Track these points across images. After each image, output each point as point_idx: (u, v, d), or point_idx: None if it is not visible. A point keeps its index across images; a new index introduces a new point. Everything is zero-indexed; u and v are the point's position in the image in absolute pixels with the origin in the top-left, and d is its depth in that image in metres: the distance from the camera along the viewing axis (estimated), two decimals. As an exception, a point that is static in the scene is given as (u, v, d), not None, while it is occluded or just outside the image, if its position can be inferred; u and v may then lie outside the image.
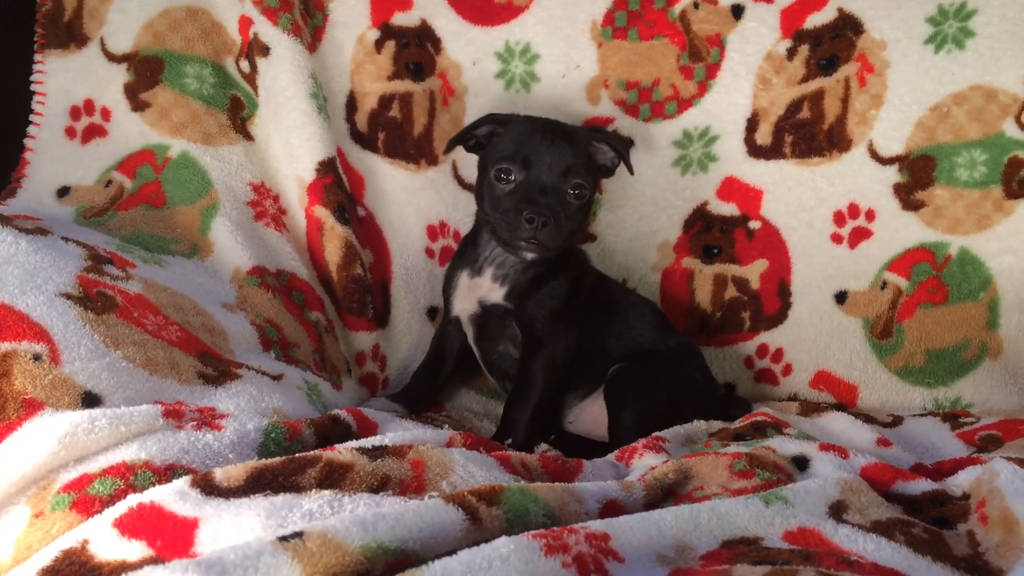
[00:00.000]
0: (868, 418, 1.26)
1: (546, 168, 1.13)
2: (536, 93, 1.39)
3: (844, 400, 1.34)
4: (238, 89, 1.34)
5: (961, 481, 0.88)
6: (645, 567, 0.61)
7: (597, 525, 0.63)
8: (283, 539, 0.56)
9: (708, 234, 1.40)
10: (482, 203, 1.18)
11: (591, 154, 1.19)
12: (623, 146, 1.22)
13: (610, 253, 1.42)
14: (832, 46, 1.32)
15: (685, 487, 0.86)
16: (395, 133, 1.40)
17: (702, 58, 1.35)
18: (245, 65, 1.33)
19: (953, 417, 1.23)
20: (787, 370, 1.37)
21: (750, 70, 1.35)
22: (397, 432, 0.93)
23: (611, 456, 1.04)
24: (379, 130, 1.40)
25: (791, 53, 1.33)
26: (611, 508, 0.77)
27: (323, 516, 0.67)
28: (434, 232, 1.42)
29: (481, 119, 1.19)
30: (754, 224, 1.38)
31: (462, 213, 1.40)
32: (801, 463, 0.94)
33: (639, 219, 1.41)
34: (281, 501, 0.69)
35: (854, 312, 1.36)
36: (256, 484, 0.73)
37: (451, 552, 0.58)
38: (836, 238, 1.37)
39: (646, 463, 0.99)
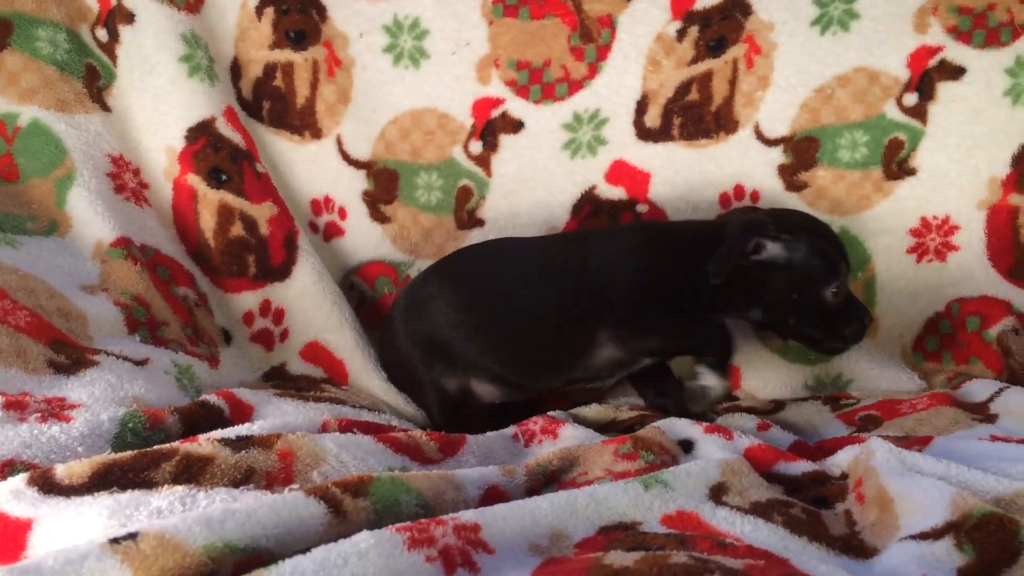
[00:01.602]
0: (749, 408, 1.28)
1: None
2: (425, 70, 1.34)
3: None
4: (93, 58, 1.25)
5: (840, 461, 0.89)
6: (516, 557, 0.58)
7: (468, 515, 0.59)
8: (114, 541, 0.51)
9: (596, 219, 1.38)
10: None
11: None
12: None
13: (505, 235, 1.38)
14: (721, 27, 1.32)
15: (570, 473, 0.84)
16: (279, 103, 1.34)
17: (593, 39, 1.33)
18: (103, 34, 1.24)
19: (834, 400, 1.26)
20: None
21: (640, 52, 1.33)
22: (269, 418, 0.88)
23: (508, 431, 1.01)
24: (264, 99, 1.34)
25: (681, 35, 1.33)
26: (492, 495, 0.74)
27: (173, 514, 0.61)
28: (318, 207, 1.36)
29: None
30: (641, 208, 1.37)
31: (346, 188, 1.35)
32: (687, 445, 0.93)
33: (532, 205, 1.38)
34: (127, 499, 0.64)
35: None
36: (103, 481, 0.67)
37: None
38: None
39: (545, 449, 0.97)
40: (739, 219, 1.15)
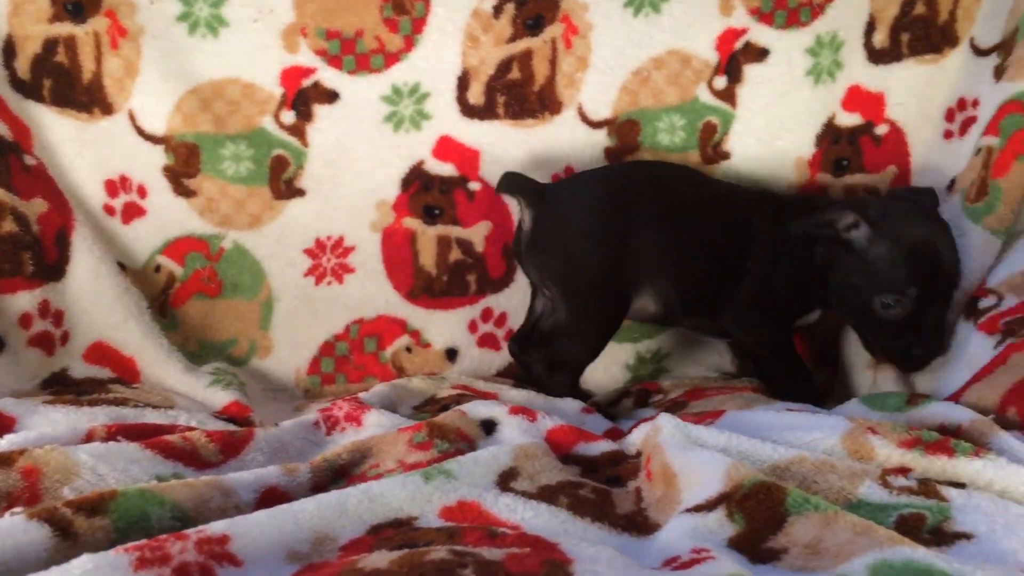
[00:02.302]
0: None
1: None
2: (225, 38, 1.26)
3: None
4: None
5: (635, 439, 0.91)
6: (268, 568, 0.55)
7: (217, 527, 0.56)
8: None
9: (427, 194, 1.35)
10: None
11: None
12: None
13: (327, 211, 1.34)
14: (537, 6, 1.31)
15: (361, 466, 0.81)
16: (63, 80, 1.22)
17: (407, 11, 1.29)
18: None
19: (645, 394, 1.29)
20: (510, 334, 1.36)
21: (457, 27, 1.31)
22: (34, 430, 0.80)
23: (310, 417, 0.97)
24: (44, 77, 1.22)
25: (497, 11, 1.31)
26: (270, 497, 0.71)
27: None
28: (114, 188, 1.27)
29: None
30: (474, 185, 1.36)
31: (144, 165, 1.27)
32: (489, 426, 0.92)
33: (355, 175, 1.34)
34: None
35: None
36: None
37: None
38: (553, 202, 1.37)
39: (348, 437, 0.94)
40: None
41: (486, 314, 1.37)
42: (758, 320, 1.21)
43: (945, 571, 0.55)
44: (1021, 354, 0.96)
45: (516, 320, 1.36)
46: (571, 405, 1.11)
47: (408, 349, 1.36)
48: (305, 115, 1.31)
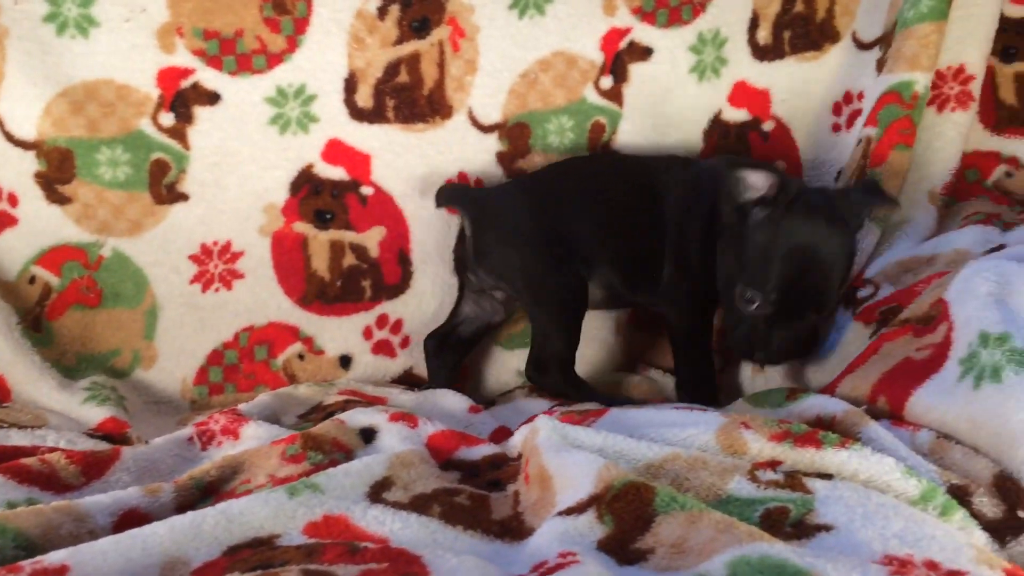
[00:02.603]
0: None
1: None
2: (96, 39, 1.21)
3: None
4: None
5: (516, 441, 0.90)
6: (109, 597, 0.53)
7: (56, 556, 0.53)
8: None
9: (318, 198, 1.33)
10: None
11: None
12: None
13: (212, 215, 1.30)
14: (422, 7, 1.30)
15: (231, 482, 0.79)
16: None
17: (288, 11, 1.27)
18: None
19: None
20: (405, 342, 1.35)
21: (342, 27, 1.28)
22: None
23: (184, 432, 0.94)
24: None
25: (382, 12, 1.29)
26: (130, 520, 0.68)
27: None
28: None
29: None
30: (366, 190, 1.34)
31: (14, 172, 1.22)
32: (369, 435, 0.91)
33: (241, 179, 1.30)
34: None
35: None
36: None
37: None
38: (451, 208, 1.35)
39: (224, 451, 0.91)
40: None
41: (381, 320, 1.35)
42: (682, 296, 1.20)
43: (798, 565, 0.57)
44: (893, 343, 0.99)
45: (412, 327, 1.35)
46: (459, 406, 1.10)
47: (300, 356, 1.33)
48: (185, 117, 1.27)
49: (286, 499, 0.67)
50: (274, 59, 1.28)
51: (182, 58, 1.25)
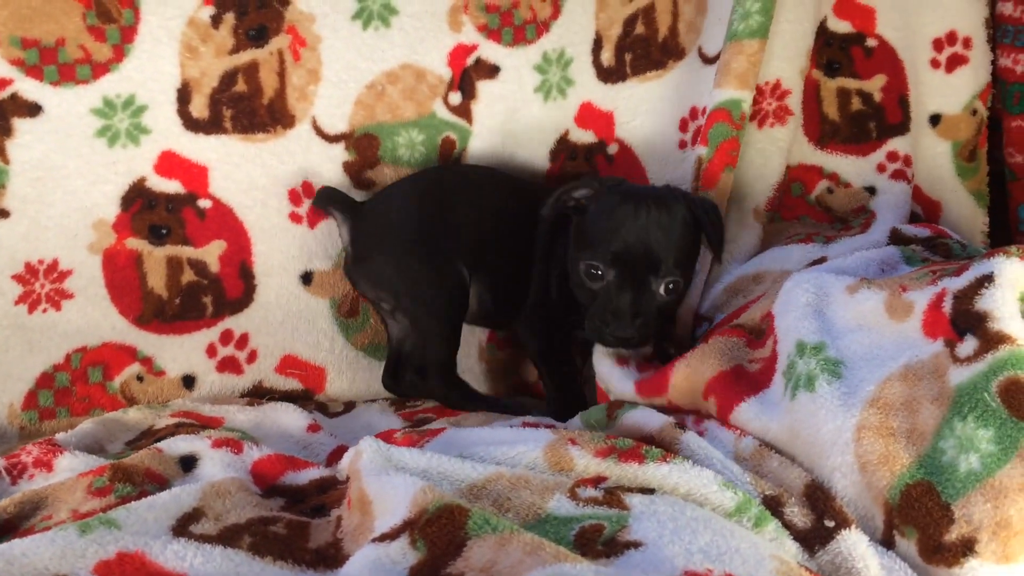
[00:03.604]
0: (320, 405, 1.27)
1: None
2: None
3: (311, 385, 1.32)
4: None
5: (344, 465, 0.89)
6: None
7: None
8: None
9: (153, 212, 1.27)
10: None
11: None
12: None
13: (36, 232, 1.23)
14: (259, 16, 1.26)
15: (32, 519, 0.74)
16: None
17: (114, 19, 1.21)
18: None
19: (401, 402, 1.28)
20: (252, 357, 1.31)
21: (173, 36, 1.24)
22: None
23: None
24: None
25: (216, 21, 1.25)
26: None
27: None
28: None
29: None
30: (204, 203, 1.29)
31: None
32: (189, 463, 0.87)
33: (67, 194, 1.24)
34: None
35: (320, 292, 1.33)
36: None
37: None
38: (295, 217, 1.33)
39: (37, 484, 0.86)
40: None
41: (225, 337, 1.30)
42: (536, 320, 1.22)
43: (594, 587, 0.57)
44: (725, 339, 1.02)
45: (258, 341, 1.30)
46: (297, 424, 1.08)
47: (139, 378, 1.27)
48: (3, 130, 1.20)
49: (76, 537, 0.64)
50: (100, 69, 1.22)
51: (-2, 68, 1.19)
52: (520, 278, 1.24)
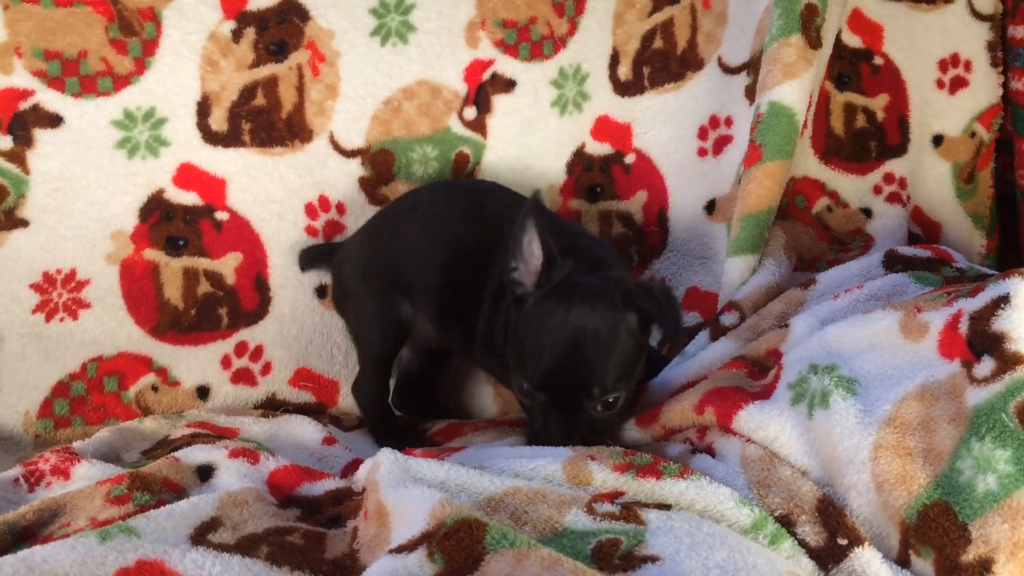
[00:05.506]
0: (334, 419, 1.27)
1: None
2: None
3: (324, 399, 1.32)
4: None
5: (360, 476, 0.89)
6: None
7: None
8: None
9: (170, 224, 1.29)
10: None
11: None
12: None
13: (55, 242, 1.24)
14: (279, 31, 1.28)
15: (50, 526, 0.75)
16: None
17: (135, 32, 1.23)
18: None
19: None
20: (266, 368, 1.31)
21: (194, 50, 1.26)
22: None
23: (10, 474, 0.89)
24: None
25: (237, 35, 1.27)
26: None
27: None
28: None
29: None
30: (221, 215, 1.30)
31: None
32: (206, 473, 0.88)
33: (86, 205, 1.25)
34: None
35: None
36: None
37: None
38: (311, 231, 1.34)
39: (54, 492, 0.86)
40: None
41: (240, 348, 1.31)
42: (491, 354, 1.13)
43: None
44: (725, 371, 1.02)
45: (273, 353, 1.31)
46: (312, 436, 1.08)
47: (154, 388, 1.27)
48: (24, 140, 1.22)
49: (96, 544, 0.64)
50: (121, 81, 1.24)
51: (20, 79, 1.21)
52: (469, 311, 1.13)
